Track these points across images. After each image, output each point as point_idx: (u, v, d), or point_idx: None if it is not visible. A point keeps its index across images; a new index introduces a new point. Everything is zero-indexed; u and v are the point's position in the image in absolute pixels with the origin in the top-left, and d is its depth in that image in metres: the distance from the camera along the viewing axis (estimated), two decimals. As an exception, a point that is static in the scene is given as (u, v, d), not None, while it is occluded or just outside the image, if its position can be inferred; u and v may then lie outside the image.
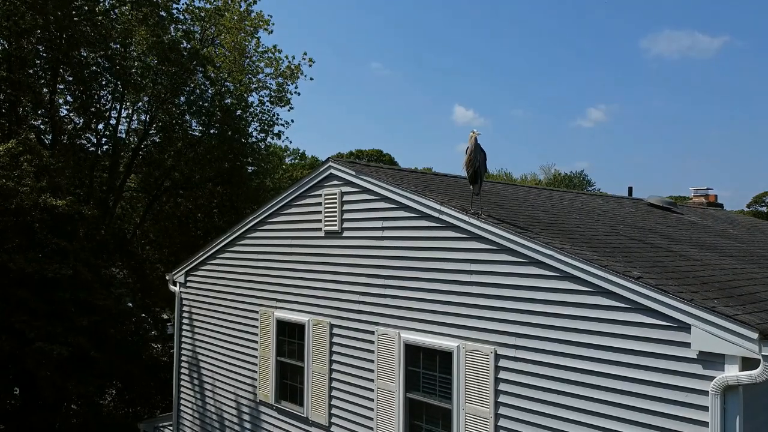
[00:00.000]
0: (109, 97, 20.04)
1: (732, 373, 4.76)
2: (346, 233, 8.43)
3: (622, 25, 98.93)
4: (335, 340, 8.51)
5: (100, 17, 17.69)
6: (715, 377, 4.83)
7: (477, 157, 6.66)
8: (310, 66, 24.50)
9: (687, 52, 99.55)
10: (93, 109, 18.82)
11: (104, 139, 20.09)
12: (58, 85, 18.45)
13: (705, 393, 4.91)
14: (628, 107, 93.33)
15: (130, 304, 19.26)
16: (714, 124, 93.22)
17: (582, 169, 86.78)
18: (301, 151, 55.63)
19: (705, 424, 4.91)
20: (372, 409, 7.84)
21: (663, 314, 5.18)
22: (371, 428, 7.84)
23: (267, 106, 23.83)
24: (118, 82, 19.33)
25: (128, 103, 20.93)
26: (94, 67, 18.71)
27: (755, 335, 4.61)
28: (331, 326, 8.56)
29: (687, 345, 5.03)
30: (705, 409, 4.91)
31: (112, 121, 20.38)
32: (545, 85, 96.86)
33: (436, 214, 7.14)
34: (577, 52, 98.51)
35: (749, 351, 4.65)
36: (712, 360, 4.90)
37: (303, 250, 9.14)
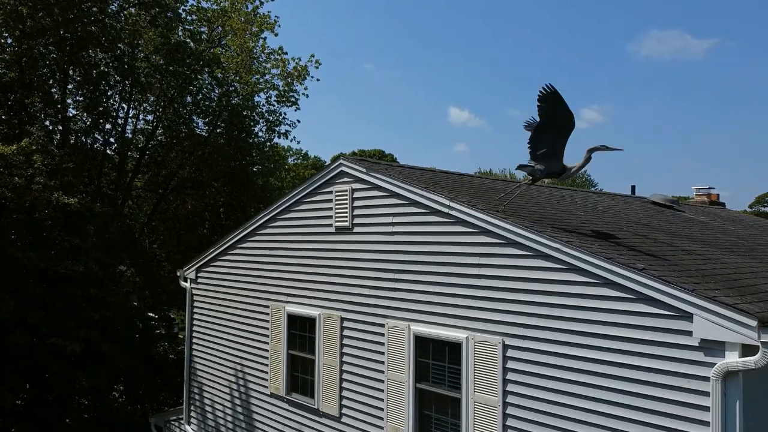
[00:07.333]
0: (117, 97, 20.32)
1: (732, 359, 4.97)
2: (356, 229, 8.65)
3: (609, 26, 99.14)
4: (346, 333, 8.73)
5: (107, 19, 17.94)
6: (716, 364, 5.04)
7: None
8: (317, 68, 24.81)
9: (678, 54, 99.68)
10: (101, 108, 19.08)
11: (112, 139, 20.37)
12: (67, 86, 18.71)
13: (706, 379, 5.12)
14: (623, 108, 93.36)
15: (135, 303, 19.50)
16: (713, 124, 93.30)
17: (585, 169, 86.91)
18: (303, 152, 55.91)
19: (706, 408, 5.12)
20: (382, 400, 8.05)
21: (666, 304, 5.39)
22: (382, 418, 8.06)
23: (274, 106, 24.07)
24: (126, 82, 19.59)
25: (135, 103, 21.20)
26: (102, 67, 18.99)
27: (754, 323, 4.82)
28: (342, 320, 8.78)
29: (689, 333, 5.24)
30: (706, 394, 5.12)
31: (120, 121, 20.68)
32: (539, 86, 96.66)
33: (445, 210, 7.35)
34: (569, 52, 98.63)
35: (749, 338, 4.86)
36: (713, 347, 5.11)
37: (314, 245, 9.36)
